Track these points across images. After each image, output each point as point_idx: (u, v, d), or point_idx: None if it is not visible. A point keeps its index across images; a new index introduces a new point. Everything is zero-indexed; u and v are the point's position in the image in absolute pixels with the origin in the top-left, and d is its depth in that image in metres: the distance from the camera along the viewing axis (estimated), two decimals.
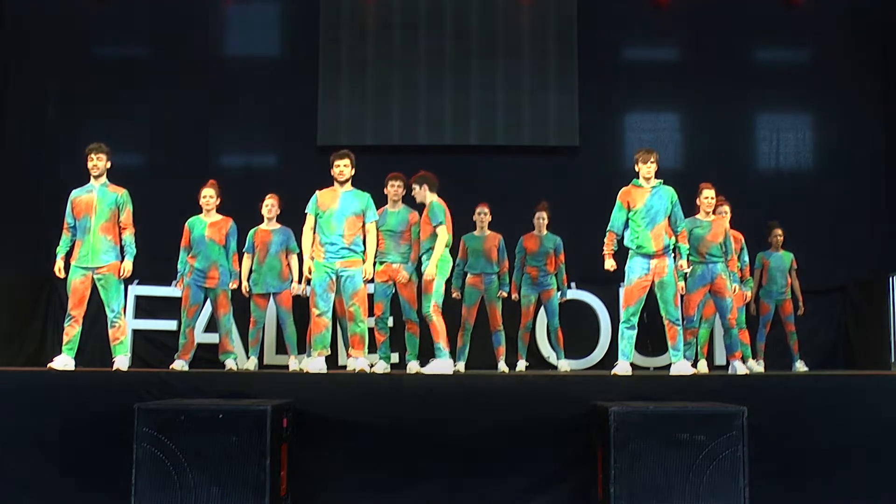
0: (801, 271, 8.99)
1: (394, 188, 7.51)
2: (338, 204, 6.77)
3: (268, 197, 8.10)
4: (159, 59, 10.27)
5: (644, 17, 10.40)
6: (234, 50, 10.52)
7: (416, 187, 7.20)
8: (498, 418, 5.82)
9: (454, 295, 8.19)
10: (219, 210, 7.76)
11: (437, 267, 6.95)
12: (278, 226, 8.07)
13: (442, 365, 6.80)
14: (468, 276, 8.16)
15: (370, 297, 7.35)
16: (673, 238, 6.78)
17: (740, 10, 10.25)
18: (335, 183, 6.86)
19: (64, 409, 5.84)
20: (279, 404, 5.29)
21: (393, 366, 7.80)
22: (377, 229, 7.28)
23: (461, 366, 8.00)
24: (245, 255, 8.03)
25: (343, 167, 6.82)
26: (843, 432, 5.79)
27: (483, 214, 8.20)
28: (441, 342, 6.89)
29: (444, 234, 6.98)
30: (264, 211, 8.06)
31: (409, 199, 7.72)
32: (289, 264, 8.01)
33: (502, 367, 8.03)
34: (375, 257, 7.33)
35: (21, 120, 10.17)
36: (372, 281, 7.28)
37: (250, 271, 8.01)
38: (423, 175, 7.22)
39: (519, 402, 5.92)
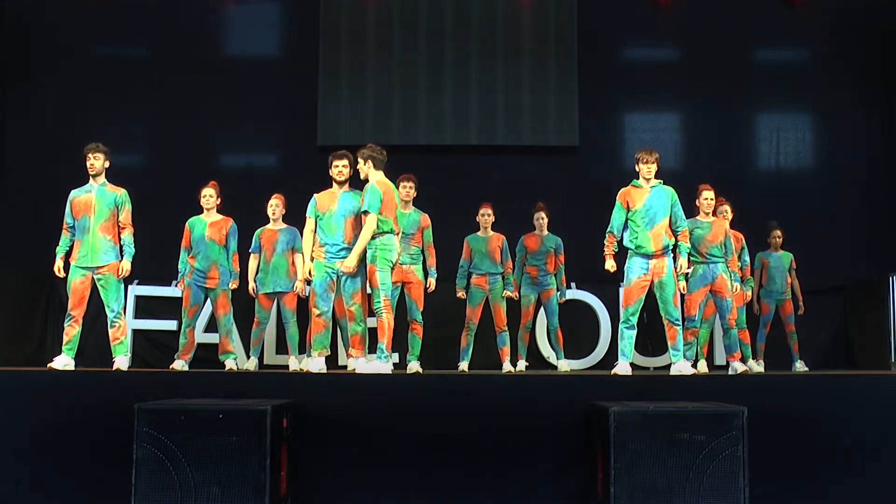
0: (801, 271, 8.99)
1: (405, 189, 7.51)
2: (336, 205, 6.75)
3: (273, 197, 8.11)
4: (159, 59, 10.28)
5: (644, 17, 10.41)
6: (234, 50, 10.54)
7: (360, 161, 6.68)
8: (498, 418, 5.81)
9: (459, 295, 8.20)
10: (219, 210, 7.77)
11: (364, 258, 6.56)
12: (284, 225, 8.07)
13: (381, 366, 6.47)
14: (473, 276, 8.17)
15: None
16: (672, 238, 6.78)
17: (740, 10, 10.25)
18: (334, 184, 6.84)
19: (64, 409, 5.83)
20: (279, 404, 5.29)
21: (393, 366, 7.79)
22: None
23: (464, 366, 8.01)
24: (251, 255, 8.04)
25: (342, 167, 6.77)
26: (842, 432, 5.79)
27: (486, 216, 8.20)
28: (384, 342, 6.53)
29: (372, 225, 6.48)
30: (269, 211, 8.06)
31: (418, 201, 7.73)
32: (294, 263, 8.00)
33: (507, 367, 8.02)
34: None
35: (21, 120, 10.18)
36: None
37: (257, 271, 8.01)
38: (369, 149, 6.68)
39: (519, 402, 5.92)
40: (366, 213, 6.52)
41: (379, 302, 6.56)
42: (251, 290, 8.01)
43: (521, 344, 8.47)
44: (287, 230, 8.04)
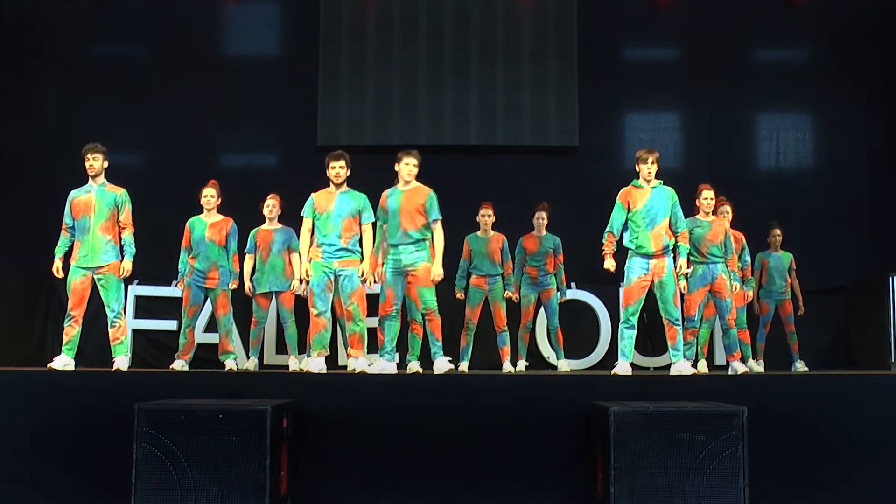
0: (801, 271, 8.99)
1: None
2: (334, 205, 6.75)
3: (269, 197, 8.11)
4: (159, 59, 10.27)
5: (644, 17, 10.41)
6: (234, 50, 10.53)
7: (411, 162, 6.77)
8: (498, 418, 5.82)
9: (458, 296, 8.20)
10: (219, 210, 7.77)
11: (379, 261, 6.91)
12: (280, 225, 8.08)
13: (444, 363, 6.71)
14: (472, 276, 8.17)
15: (373, 296, 7.34)
16: (672, 239, 6.77)
17: (740, 10, 10.24)
18: (331, 184, 6.85)
19: (64, 409, 5.83)
20: (279, 404, 5.29)
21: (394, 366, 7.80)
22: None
23: (464, 366, 8.01)
24: (247, 255, 8.04)
25: (339, 168, 6.77)
26: (842, 432, 5.78)
27: (487, 217, 8.20)
28: (440, 341, 6.80)
29: (442, 231, 6.78)
30: (265, 211, 8.07)
31: None
32: (291, 263, 8.01)
33: (507, 367, 8.02)
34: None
35: (21, 120, 10.17)
36: (370, 281, 7.27)
37: (253, 271, 8.01)
38: (416, 157, 6.83)
39: (519, 402, 5.92)
40: (436, 221, 6.71)
41: (435, 301, 6.72)
42: (247, 290, 8.01)
43: (521, 344, 8.47)
44: (282, 230, 8.05)
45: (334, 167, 6.78)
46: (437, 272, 6.66)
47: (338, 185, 6.80)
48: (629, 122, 10.52)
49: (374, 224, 6.89)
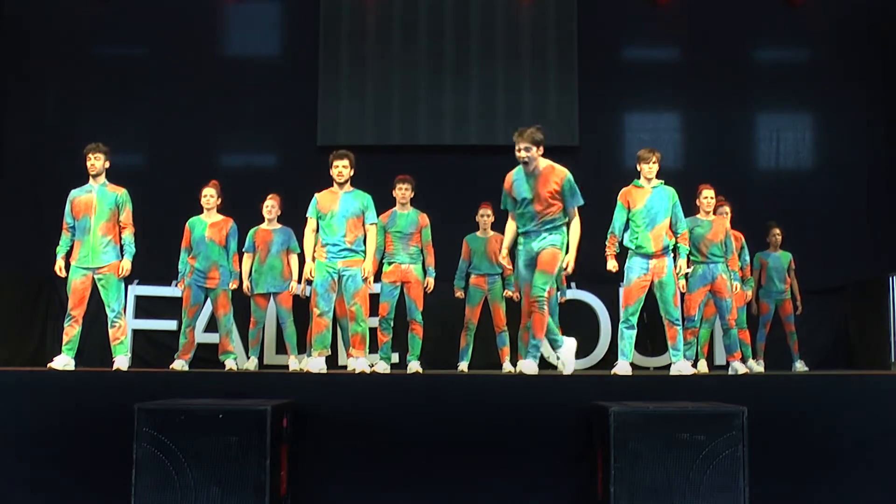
0: (801, 271, 8.99)
1: (402, 190, 7.52)
2: (338, 205, 6.76)
3: (268, 198, 8.12)
4: (159, 59, 10.27)
5: (644, 17, 10.40)
6: (234, 50, 10.54)
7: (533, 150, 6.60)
8: (498, 418, 5.81)
9: (457, 295, 8.20)
10: (219, 210, 7.77)
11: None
12: (279, 226, 8.08)
13: (531, 365, 6.28)
14: (472, 276, 8.17)
15: (375, 296, 7.35)
16: (672, 239, 6.77)
17: (740, 10, 10.24)
18: (334, 184, 6.84)
19: (64, 409, 5.83)
20: (279, 404, 5.29)
21: (393, 366, 7.81)
22: (386, 231, 7.31)
23: (464, 366, 8.01)
24: (245, 255, 8.04)
25: (342, 168, 6.79)
26: (843, 432, 5.78)
27: (486, 216, 8.20)
28: (540, 338, 6.30)
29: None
30: (264, 211, 8.07)
31: (416, 201, 7.73)
32: (289, 264, 8.01)
33: (507, 367, 8.02)
34: (384, 258, 7.37)
35: (21, 120, 10.17)
36: (377, 280, 7.29)
37: (251, 271, 8.02)
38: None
39: (519, 402, 5.91)
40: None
41: (543, 294, 6.26)
42: (246, 290, 8.01)
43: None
44: (282, 230, 8.05)
45: (337, 166, 6.78)
46: (571, 260, 6.37)
47: (340, 185, 6.80)
48: (629, 122, 10.52)
49: (377, 225, 6.91)
